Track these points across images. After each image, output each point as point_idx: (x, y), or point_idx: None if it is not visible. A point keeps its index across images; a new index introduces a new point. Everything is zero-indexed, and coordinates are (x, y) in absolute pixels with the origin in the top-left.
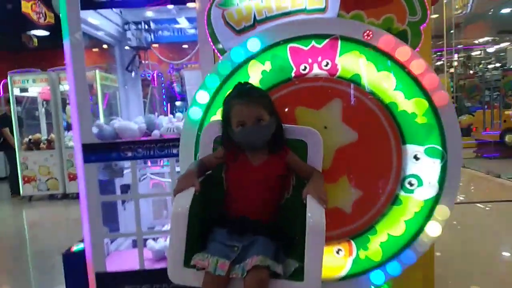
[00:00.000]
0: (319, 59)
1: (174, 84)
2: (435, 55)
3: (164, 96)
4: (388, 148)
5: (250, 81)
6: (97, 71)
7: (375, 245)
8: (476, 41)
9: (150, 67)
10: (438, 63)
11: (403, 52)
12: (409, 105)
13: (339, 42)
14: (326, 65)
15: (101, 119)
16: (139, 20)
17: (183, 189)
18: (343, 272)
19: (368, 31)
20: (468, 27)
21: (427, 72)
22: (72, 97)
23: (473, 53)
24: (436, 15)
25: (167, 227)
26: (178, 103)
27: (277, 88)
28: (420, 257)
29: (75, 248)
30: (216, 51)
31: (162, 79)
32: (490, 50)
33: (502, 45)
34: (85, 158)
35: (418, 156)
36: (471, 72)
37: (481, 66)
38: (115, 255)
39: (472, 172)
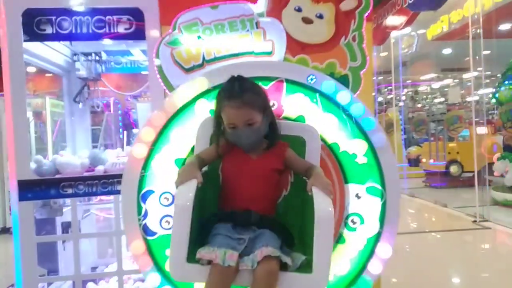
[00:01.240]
0: None
1: (131, 112)
2: (386, 90)
3: (120, 124)
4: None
5: (198, 120)
6: (47, 97)
7: None
8: (423, 78)
9: (100, 95)
10: (389, 96)
11: (343, 96)
12: (350, 146)
13: (285, 84)
14: (273, 106)
15: (50, 148)
16: (90, 51)
17: (185, 181)
18: None
19: (311, 75)
20: (415, 65)
21: (366, 115)
22: (9, 130)
23: (420, 88)
24: (385, 53)
25: (111, 267)
26: (135, 131)
27: None
28: None
29: None
30: (165, 87)
31: (119, 106)
32: (435, 86)
33: (445, 81)
34: (20, 196)
35: (359, 194)
36: (419, 105)
37: (427, 100)
38: None
39: (421, 202)
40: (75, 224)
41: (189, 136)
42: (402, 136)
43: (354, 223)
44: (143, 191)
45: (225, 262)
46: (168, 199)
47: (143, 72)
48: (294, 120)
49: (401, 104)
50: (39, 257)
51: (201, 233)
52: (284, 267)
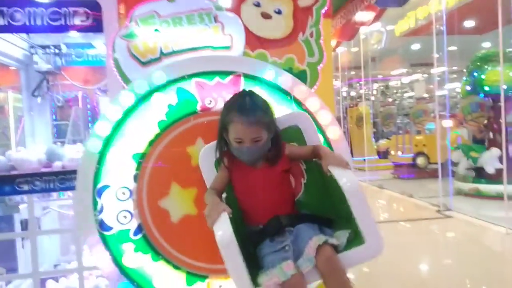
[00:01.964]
0: (224, 93)
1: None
2: (358, 84)
3: (90, 119)
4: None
5: (156, 114)
6: (10, 92)
7: None
8: (393, 73)
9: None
10: (361, 91)
11: (300, 90)
12: None
13: (242, 78)
14: None
15: (13, 145)
16: (48, 44)
17: (217, 218)
18: None
19: (269, 70)
20: (385, 60)
21: (321, 109)
22: None
23: (391, 83)
24: (356, 49)
25: (74, 264)
26: None
27: (183, 121)
28: None
29: None
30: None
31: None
32: (405, 80)
33: (414, 76)
34: None
35: None
36: (390, 100)
37: (398, 94)
38: None
39: (389, 193)
40: (32, 221)
41: (145, 130)
42: (373, 130)
43: None
44: (98, 186)
45: (286, 275)
46: (125, 194)
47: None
48: None
49: (372, 98)
50: None
51: (245, 251)
52: (335, 249)
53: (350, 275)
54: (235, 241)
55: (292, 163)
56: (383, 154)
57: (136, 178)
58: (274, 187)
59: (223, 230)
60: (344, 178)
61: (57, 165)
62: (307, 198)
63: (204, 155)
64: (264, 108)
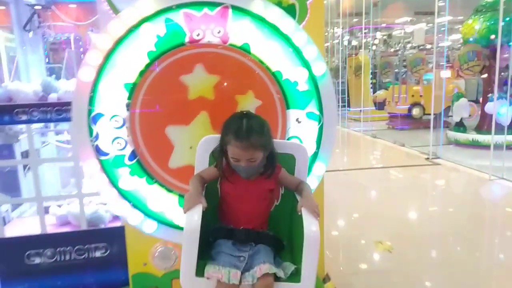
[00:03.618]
0: (212, 26)
1: None
2: (360, 33)
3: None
4: (275, 112)
5: (145, 44)
6: (0, 30)
7: None
8: (397, 21)
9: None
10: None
11: (287, 24)
12: (292, 73)
13: (230, 10)
14: (219, 33)
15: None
16: None
17: (192, 207)
18: None
19: (257, 2)
20: (389, 7)
21: (308, 44)
22: None
23: (394, 32)
24: None
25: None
26: None
27: (171, 52)
28: None
29: None
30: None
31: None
32: (409, 30)
33: (418, 25)
34: None
35: (299, 119)
36: (392, 50)
37: (400, 44)
38: (17, 221)
39: (382, 142)
40: (32, 149)
41: (135, 60)
42: (371, 80)
43: None
44: (92, 114)
45: (230, 280)
46: (118, 122)
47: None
48: (239, 47)
49: (373, 48)
50: (1, 186)
51: (203, 243)
52: (277, 277)
53: (341, 220)
54: (198, 233)
55: (277, 185)
56: (380, 105)
57: (128, 107)
58: (256, 201)
59: (192, 220)
60: (309, 225)
61: (52, 97)
62: (275, 217)
63: (202, 145)
64: (259, 130)
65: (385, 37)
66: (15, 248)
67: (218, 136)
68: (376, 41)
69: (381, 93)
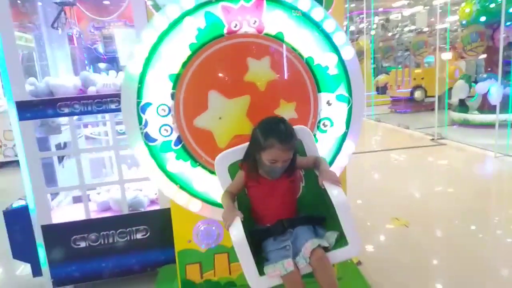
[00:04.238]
0: (248, 17)
1: (98, 44)
2: (358, 18)
3: (86, 57)
4: (307, 95)
5: (186, 37)
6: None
7: None
8: (394, 5)
9: (76, 22)
10: (361, 25)
11: (317, 12)
12: (323, 59)
13: (265, 1)
14: (254, 23)
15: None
16: None
17: (232, 223)
18: None
19: None
20: None
21: (337, 30)
22: (0, 55)
23: (392, 16)
24: None
25: (109, 179)
26: (102, 65)
27: (211, 43)
28: None
29: (15, 205)
30: (150, 7)
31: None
32: (406, 13)
33: (416, 8)
34: (20, 116)
35: (330, 102)
36: (390, 34)
37: (398, 28)
38: (56, 210)
39: (387, 125)
40: (74, 140)
41: (178, 52)
42: (372, 65)
43: (325, 126)
44: (141, 104)
45: (287, 271)
46: (165, 110)
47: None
48: (274, 36)
49: (372, 32)
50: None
51: (251, 244)
52: (326, 249)
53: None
54: (246, 241)
55: (296, 174)
56: (382, 89)
57: (173, 96)
58: (282, 195)
59: (237, 233)
60: (335, 194)
61: (91, 90)
62: (305, 199)
63: (220, 161)
64: (294, 134)
65: (382, 21)
66: (62, 234)
67: (232, 149)
68: (375, 26)
69: (382, 78)
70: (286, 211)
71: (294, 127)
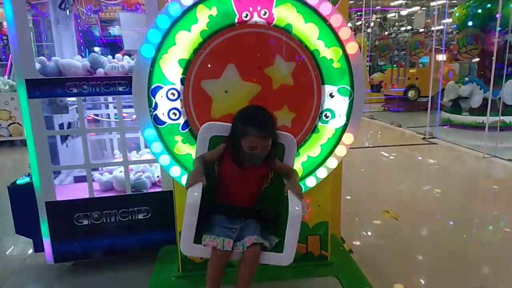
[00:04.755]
0: (259, 8)
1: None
2: (355, 15)
3: (81, 41)
4: (311, 87)
5: (199, 24)
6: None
7: (298, 165)
8: (392, 4)
9: (84, 3)
10: (358, 23)
11: (325, 7)
12: (328, 52)
13: None
14: (265, 14)
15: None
16: None
17: (194, 184)
18: None
19: None
20: None
21: (343, 25)
22: (12, 32)
23: (389, 15)
24: None
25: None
26: (96, 49)
27: (222, 32)
28: (330, 173)
29: (20, 181)
30: None
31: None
32: (403, 13)
33: (413, 8)
34: (29, 93)
35: (333, 94)
36: (386, 33)
37: (394, 28)
38: (59, 188)
39: (379, 123)
40: (82, 120)
41: (189, 38)
42: (368, 63)
43: (327, 117)
44: (152, 87)
45: (224, 247)
46: (174, 94)
47: None
48: (282, 27)
49: (369, 30)
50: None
51: (201, 217)
52: (263, 248)
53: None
54: (198, 206)
55: (269, 171)
56: (376, 88)
57: (182, 81)
58: (251, 185)
59: (193, 195)
60: (293, 205)
61: (100, 72)
62: (264, 198)
63: (205, 129)
64: (273, 122)
65: (379, 20)
66: (66, 211)
67: (221, 124)
68: (372, 24)
69: (377, 76)
70: (248, 199)
71: (282, 133)
